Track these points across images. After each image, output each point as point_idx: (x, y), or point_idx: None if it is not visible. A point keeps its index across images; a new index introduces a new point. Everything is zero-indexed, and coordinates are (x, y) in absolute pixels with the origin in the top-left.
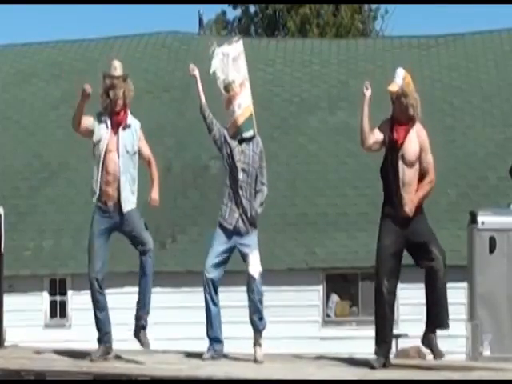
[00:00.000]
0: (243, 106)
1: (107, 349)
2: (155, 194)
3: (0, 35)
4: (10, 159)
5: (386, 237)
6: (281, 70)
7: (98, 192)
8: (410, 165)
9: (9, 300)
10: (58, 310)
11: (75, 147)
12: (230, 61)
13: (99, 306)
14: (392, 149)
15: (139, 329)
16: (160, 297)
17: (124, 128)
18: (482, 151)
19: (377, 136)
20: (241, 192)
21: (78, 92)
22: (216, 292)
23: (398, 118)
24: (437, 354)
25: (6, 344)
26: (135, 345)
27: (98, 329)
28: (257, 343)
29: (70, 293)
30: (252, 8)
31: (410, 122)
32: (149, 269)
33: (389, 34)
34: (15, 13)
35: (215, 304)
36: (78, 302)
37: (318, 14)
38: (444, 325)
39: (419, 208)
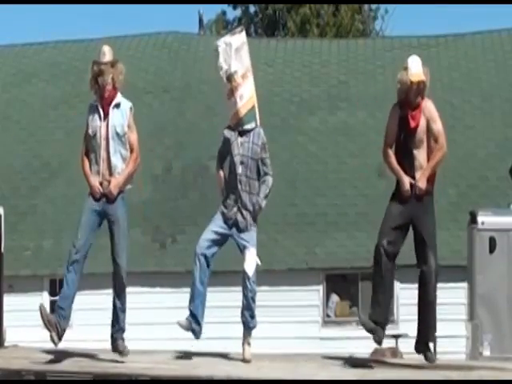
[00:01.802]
0: (245, 97)
1: (56, 324)
2: (113, 186)
3: (0, 35)
4: (9, 159)
5: (394, 206)
6: (281, 70)
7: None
8: (419, 144)
9: (9, 300)
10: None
11: (75, 147)
12: (233, 51)
13: (67, 281)
14: (404, 130)
15: (116, 343)
16: (160, 297)
17: (113, 108)
18: (482, 151)
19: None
20: (239, 186)
21: (78, 92)
22: (206, 271)
23: (412, 102)
24: (429, 359)
25: (6, 344)
26: (135, 345)
27: (58, 301)
28: (246, 341)
29: None
30: (252, 8)
31: (419, 105)
32: (120, 287)
33: (389, 34)
34: (15, 13)
35: (202, 283)
36: (78, 302)
37: (318, 14)
38: (429, 337)
39: (431, 183)
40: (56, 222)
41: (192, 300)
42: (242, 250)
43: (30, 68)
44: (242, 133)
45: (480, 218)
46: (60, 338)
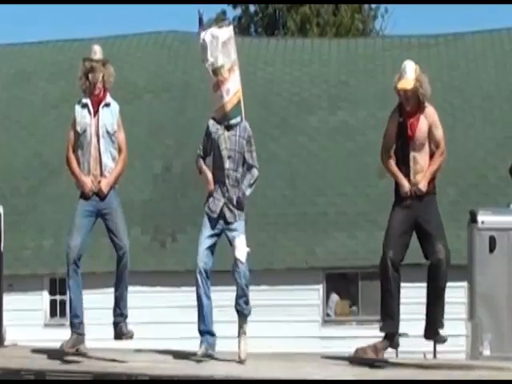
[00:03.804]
0: (232, 91)
1: (78, 336)
2: (104, 185)
3: (0, 35)
4: (9, 159)
5: (396, 215)
6: (281, 70)
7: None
8: (420, 148)
9: (9, 300)
10: (58, 310)
11: None
12: (220, 44)
13: (70, 287)
14: (402, 134)
15: (118, 326)
16: (160, 296)
17: (103, 107)
18: (481, 150)
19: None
20: (227, 180)
21: (78, 92)
22: (208, 284)
23: (410, 108)
24: (440, 340)
25: (5, 343)
26: (135, 344)
27: (69, 310)
28: (242, 331)
29: None
30: (252, 7)
31: (420, 108)
32: (124, 272)
33: (389, 34)
34: (15, 13)
35: (208, 297)
36: None
37: (318, 14)
38: (438, 325)
39: (432, 184)
40: (56, 222)
41: (202, 320)
42: (231, 240)
43: (30, 67)
44: (229, 127)
45: (480, 218)
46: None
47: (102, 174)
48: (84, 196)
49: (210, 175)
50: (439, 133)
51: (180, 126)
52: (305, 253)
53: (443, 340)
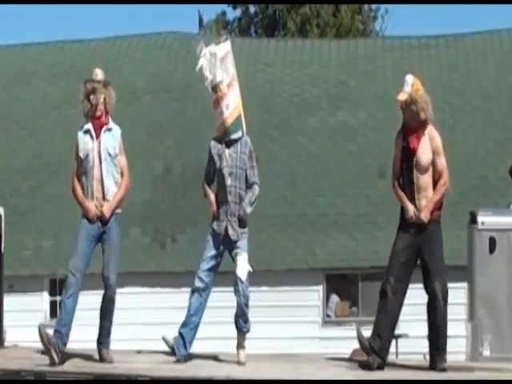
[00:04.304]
0: (231, 106)
1: (58, 342)
2: (106, 209)
3: (0, 35)
4: (10, 159)
5: (400, 241)
6: (281, 70)
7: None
8: (423, 171)
9: (9, 300)
10: (58, 310)
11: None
12: (218, 61)
13: (65, 306)
14: (406, 157)
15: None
16: (160, 297)
17: (105, 131)
18: (481, 151)
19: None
20: (229, 197)
21: (78, 93)
22: (202, 302)
23: (410, 125)
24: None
25: (6, 344)
26: (135, 345)
27: (59, 322)
28: (240, 346)
29: None
30: (252, 8)
31: (421, 126)
32: (109, 306)
33: (389, 34)
34: (16, 13)
35: (197, 314)
36: (78, 302)
37: (318, 14)
38: (441, 363)
39: (436, 212)
40: (56, 222)
41: (184, 325)
42: (233, 257)
43: (30, 68)
44: (229, 143)
45: (480, 218)
46: (59, 358)
47: (104, 197)
48: (87, 218)
49: (212, 197)
50: (442, 162)
51: (180, 126)
52: (305, 254)
53: (442, 369)
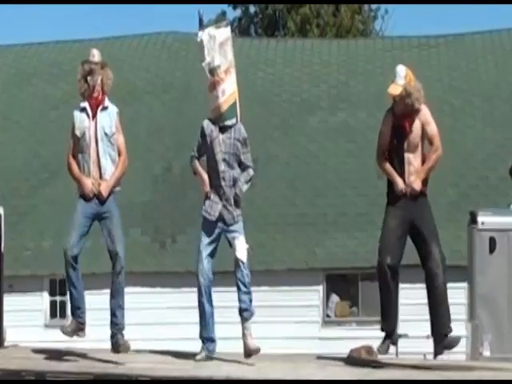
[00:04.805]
0: (227, 92)
1: (79, 324)
2: (104, 188)
3: (0, 35)
4: (10, 159)
5: (392, 217)
6: (281, 70)
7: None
8: (414, 149)
9: (9, 300)
10: (58, 310)
11: None
12: (217, 45)
13: (71, 282)
14: (397, 136)
15: (114, 338)
16: (160, 297)
17: (101, 110)
18: (481, 151)
19: (387, 137)
20: (223, 182)
21: (78, 93)
22: (211, 291)
23: (403, 112)
24: (450, 345)
25: (6, 344)
26: (135, 345)
27: (70, 303)
28: (248, 333)
29: None
30: (252, 8)
31: (415, 112)
32: (118, 280)
33: (389, 34)
34: (15, 13)
35: (211, 305)
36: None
37: (318, 14)
38: (445, 329)
39: (425, 183)
40: (56, 222)
41: (204, 327)
42: (231, 241)
43: (30, 68)
44: (223, 129)
45: (480, 218)
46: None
47: (101, 176)
48: (84, 197)
49: (205, 176)
50: (432, 128)
51: (180, 126)
52: (305, 254)
53: (455, 342)
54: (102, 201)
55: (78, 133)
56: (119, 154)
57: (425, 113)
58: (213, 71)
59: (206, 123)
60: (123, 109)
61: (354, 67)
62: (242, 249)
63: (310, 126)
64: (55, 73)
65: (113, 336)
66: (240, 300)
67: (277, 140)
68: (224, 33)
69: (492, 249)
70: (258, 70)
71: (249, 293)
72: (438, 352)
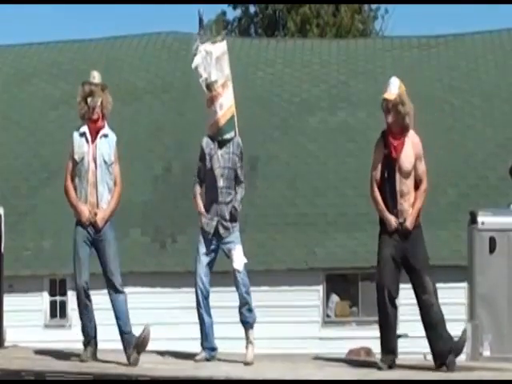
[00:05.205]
0: (225, 106)
1: (95, 347)
2: (100, 219)
3: (0, 35)
4: (10, 159)
5: (385, 249)
6: (281, 70)
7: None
8: (406, 176)
9: (9, 300)
10: (58, 310)
11: None
12: (213, 60)
13: (86, 315)
14: (388, 165)
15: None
16: (160, 297)
17: (101, 137)
18: (482, 151)
19: (379, 168)
20: (220, 198)
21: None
22: (208, 302)
23: (393, 129)
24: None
25: (6, 344)
26: None
27: (85, 335)
28: (249, 341)
29: (69, 293)
30: (252, 8)
31: (404, 131)
32: (121, 307)
33: (389, 34)
34: (15, 13)
35: (209, 315)
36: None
37: (318, 14)
38: (451, 351)
39: (417, 219)
40: (56, 222)
41: (205, 338)
42: (227, 252)
43: (30, 68)
44: (222, 143)
45: (480, 218)
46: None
47: (98, 203)
48: (81, 224)
49: (200, 202)
50: (423, 167)
51: (180, 126)
52: (305, 253)
53: (461, 345)
54: (98, 230)
55: (76, 157)
56: (115, 184)
57: (417, 145)
58: (210, 86)
59: (205, 141)
60: (123, 109)
61: (354, 67)
62: (238, 259)
63: (309, 125)
64: (55, 73)
65: (127, 352)
66: (239, 310)
67: (277, 140)
68: (220, 47)
69: (492, 249)
70: (258, 69)
71: (247, 303)
72: (450, 369)
